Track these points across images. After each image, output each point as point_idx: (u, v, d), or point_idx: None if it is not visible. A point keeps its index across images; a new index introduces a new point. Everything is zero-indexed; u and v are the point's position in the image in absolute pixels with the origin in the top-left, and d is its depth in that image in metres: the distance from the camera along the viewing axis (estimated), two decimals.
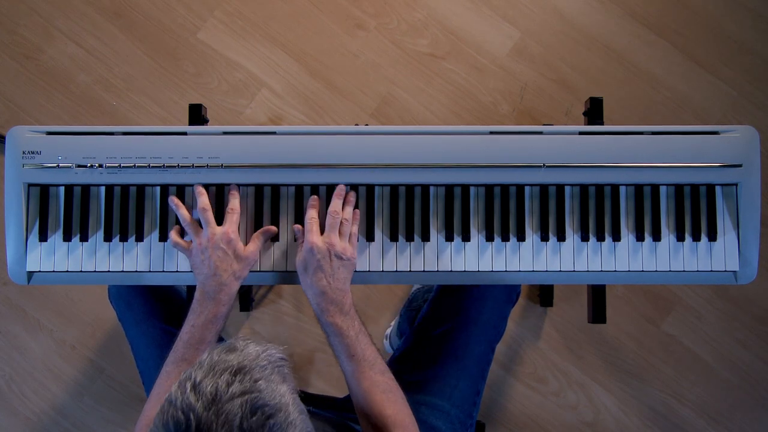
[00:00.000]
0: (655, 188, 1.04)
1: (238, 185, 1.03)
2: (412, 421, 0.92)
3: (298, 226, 1.02)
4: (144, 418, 0.89)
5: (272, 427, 0.63)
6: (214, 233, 0.97)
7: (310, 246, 0.96)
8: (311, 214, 0.99)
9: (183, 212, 1.01)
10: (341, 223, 0.99)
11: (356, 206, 1.03)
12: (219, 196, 1.03)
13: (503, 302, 1.12)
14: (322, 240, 0.97)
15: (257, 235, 1.02)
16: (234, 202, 1.01)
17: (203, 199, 1.00)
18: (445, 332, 1.10)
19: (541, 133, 1.02)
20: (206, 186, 1.03)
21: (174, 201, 1.02)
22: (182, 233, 1.03)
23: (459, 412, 1.06)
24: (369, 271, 1.03)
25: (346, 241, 0.99)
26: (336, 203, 1.00)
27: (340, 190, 1.01)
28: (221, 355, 0.67)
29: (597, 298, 1.21)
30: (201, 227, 1.00)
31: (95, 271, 1.03)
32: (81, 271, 1.03)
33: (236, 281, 0.98)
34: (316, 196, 1.02)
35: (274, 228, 1.02)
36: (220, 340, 1.03)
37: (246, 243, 1.01)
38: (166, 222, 1.04)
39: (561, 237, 1.04)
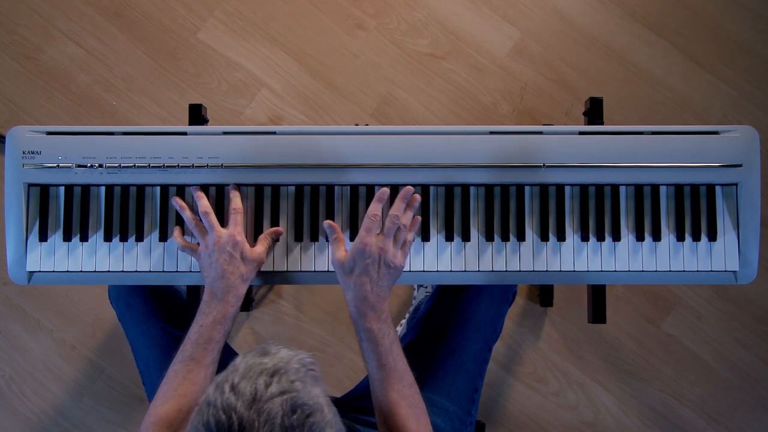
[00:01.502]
0: (655, 188, 1.04)
1: (238, 185, 1.03)
2: None
3: (330, 222, 0.99)
4: (150, 416, 0.89)
5: (312, 426, 0.64)
6: (220, 236, 0.97)
7: (362, 247, 0.93)
8: (375, 210, 0.95)
9: (188, 214, 1.01)
10: (400, 231, 0.96)
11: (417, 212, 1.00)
12: (219, 196, 1.03)
13: (499, 301, 1.12)
14: (376, 244, 0.94)
15: (264, 236, 1.01)
16: (236, 201, 1.00)
17: (204, 203, 1.00)
18: (442, 330, 1.10)
19: (541, 133, 1.02)
20: (206, 186, 1.03)
21: (178, 202, 1.01)
22: (183, 232, 1.03)
23: (458, 409, 1.06)
24: None
25: (399, 248, 0.96)
26: (399, 207, 0.95)
27: (405, 193, 0.96)
28: (255, 359, 0.68)
29: (597, 298, 1.20)
30: (206, 229, 1.00)
31: (95, 271, 1.03)
32: (81, 271, 1.03)
33: (244, 283, 0.98)
34: (387, 189, 0.98)
35: (281, 229, 1.02)
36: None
37: (250, 242, 1.01)
38: (166, 222, 1.04)
39: (561, 237, 1.04)
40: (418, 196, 0.98)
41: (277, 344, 0.72)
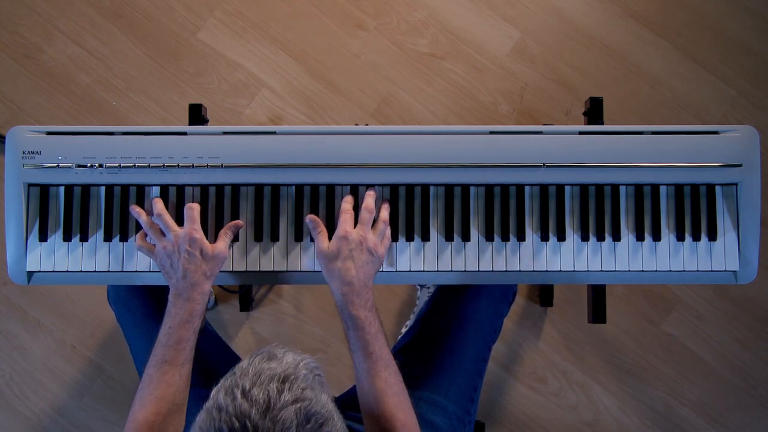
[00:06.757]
0: (655, 188, 1.04)
1: (240, 185, 1.03)
2: (418, 429, 0.92)
3: (311, 216, 1.00)
4: (131, 422, 0.89)
5: None
6: (177, 236, 0.97)
7: (344, 234, 0.95)
8: (347, 208, 0.99)
9: (144, 218, 1.00)
10: (379, 223, 0.99)
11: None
12: (219, 196, 1.03)
13: (499, 301, 1.12)
14: (356, 231, 0.96)
15: (224, 231, 1.01)
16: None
17: (159, 206, 1.00)
18: (442, 329, 1.10)
19: (541, 133, 1.02)
20: (206, 186, 1.03)
21: (135, 209, 1.01)
22: (146, 235, 1.02)
23: (456, 408, 1.06)
24: None
25: (380, 240, 0.98)
26: (370, 201, 0.99)
27: (372, 190, 1.02)
28: (263, 363, 0.69)
29: (597, 298, 1.21)
30: (162, 232, 0.99)
31: (95, 271, 1.03)
32: (81, 271, 1.03)
33: (207, 280, 0.97)
34: (351, 196, 1.02)
35: (240, 222, 1.02)
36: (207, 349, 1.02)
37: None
38: None
39: (561, 237, 1.04)
40: (386, 202, 1.02)
41: (280, 347, 0.73)
